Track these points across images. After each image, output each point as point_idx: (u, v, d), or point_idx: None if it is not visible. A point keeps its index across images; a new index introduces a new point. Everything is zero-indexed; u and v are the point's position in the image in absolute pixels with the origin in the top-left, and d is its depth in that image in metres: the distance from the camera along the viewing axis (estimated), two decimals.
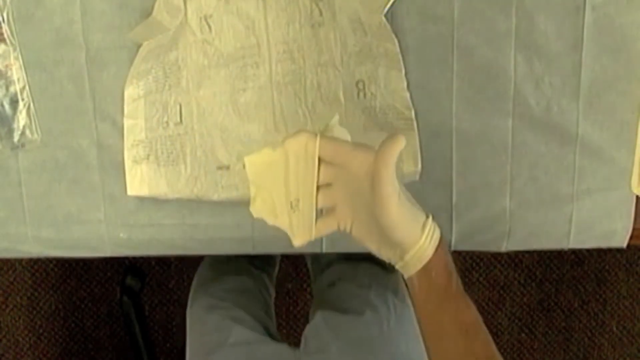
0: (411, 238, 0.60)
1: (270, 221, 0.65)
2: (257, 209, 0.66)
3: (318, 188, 0.62)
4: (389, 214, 0.58)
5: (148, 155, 0.76)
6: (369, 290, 0.99)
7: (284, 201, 0.63)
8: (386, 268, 1.03)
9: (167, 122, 0.75)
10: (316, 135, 0.60)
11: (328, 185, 0.63)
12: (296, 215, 0.63)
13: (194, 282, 1.14)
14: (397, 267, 0.63)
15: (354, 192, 0.61)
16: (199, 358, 0.98)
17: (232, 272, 1.14)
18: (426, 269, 0.61)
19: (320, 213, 0.63)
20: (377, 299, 0.97)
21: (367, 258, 1.03)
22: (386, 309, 0.96)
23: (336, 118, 0.64)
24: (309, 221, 0.63)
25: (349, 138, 0.64)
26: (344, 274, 1.05)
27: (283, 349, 0.95)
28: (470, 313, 0.62)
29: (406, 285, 0.65)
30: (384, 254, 0.63)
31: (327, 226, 0.64)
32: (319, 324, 0.96)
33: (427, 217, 0.62)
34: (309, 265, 1.25)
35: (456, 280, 0.62)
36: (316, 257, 1.19)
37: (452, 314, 0.61)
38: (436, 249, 0.61)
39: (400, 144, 0.58)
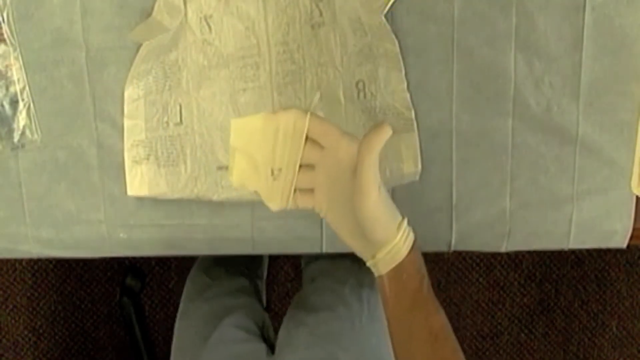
0: (386, 235, 0.60)
1: (250, 187, 0.66)
2: (236, 178, 0.66)
3: (300, 167, 0.63)
4: (367, 204, 0.58)
5: (148, 156, 0.76)
6: (344, 285, 0.99)
7: (266, 166, 0.64)
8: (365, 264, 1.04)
9: (167, 123, 0.75)
10: (307, 113, 0.61)
11: (310, 166, 0.63)
12: (276, 184, 0.64)
13: (188, 288, 1.13)
14: (368, 264, 0.63)
15: (335, 180, 0.61)
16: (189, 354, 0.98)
17: (228, 275, 1.13)
18: (398, 270, 0.60)
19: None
20: (352, 295, 0.97)
21: (350, 254, 1.03)
22: (359, 306, 0.96)
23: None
24: (288, 192, 0.63)
25: None
26: (325, 269, 1.06)
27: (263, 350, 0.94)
28: (440, 318, 0.61)
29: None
30: (356, 248, 0.63)
31: (304, 202, 0.64)
32: (289, 324, 0.97)
33: (403, 218, 0.62)
34: (302, 261, 1.26)
35: (427, 285, 0.61)
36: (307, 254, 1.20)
37: (422, 317, 0.61)
38: (409, 251, 0.61)
39: (385, 133, 0.58)
